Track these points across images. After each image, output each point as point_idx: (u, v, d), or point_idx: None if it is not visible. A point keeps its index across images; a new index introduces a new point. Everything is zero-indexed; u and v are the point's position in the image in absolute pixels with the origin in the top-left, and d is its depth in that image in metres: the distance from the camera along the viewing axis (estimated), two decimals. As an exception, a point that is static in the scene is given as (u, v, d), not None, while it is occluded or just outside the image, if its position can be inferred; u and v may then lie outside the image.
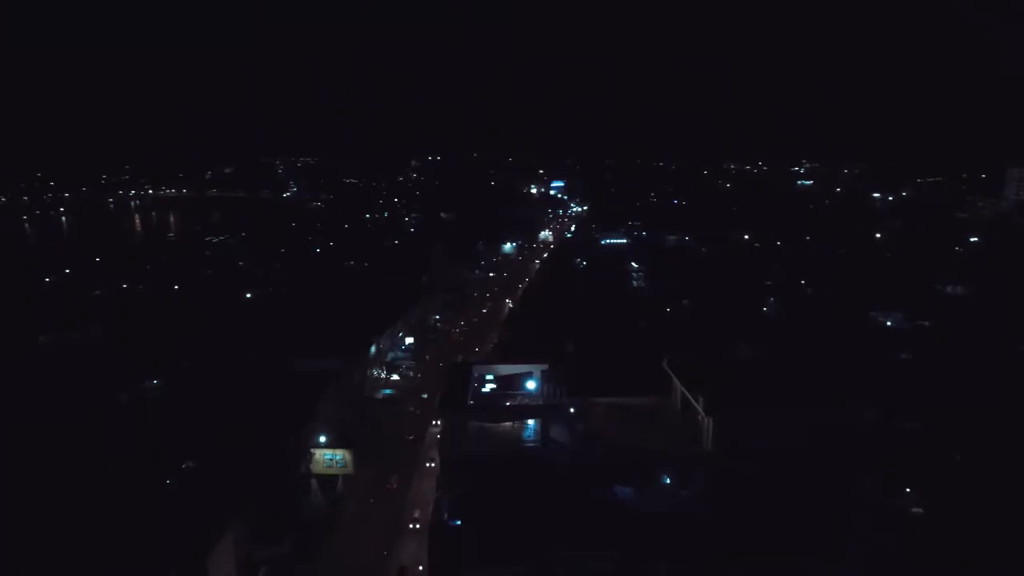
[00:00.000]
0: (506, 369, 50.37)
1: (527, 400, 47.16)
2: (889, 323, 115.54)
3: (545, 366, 49.46)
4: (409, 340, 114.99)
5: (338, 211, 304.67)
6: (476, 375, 49.54)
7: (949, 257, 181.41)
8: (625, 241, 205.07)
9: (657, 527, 35.73)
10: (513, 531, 34.24)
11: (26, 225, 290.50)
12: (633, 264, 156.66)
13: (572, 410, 46.62)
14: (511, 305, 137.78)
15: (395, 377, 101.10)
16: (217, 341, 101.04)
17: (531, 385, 48.14)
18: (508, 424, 44.77)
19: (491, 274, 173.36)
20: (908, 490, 54.78)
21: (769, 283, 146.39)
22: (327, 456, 68.69)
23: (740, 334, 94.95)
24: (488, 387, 48.93)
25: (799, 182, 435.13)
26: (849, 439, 40.56)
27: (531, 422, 44.25)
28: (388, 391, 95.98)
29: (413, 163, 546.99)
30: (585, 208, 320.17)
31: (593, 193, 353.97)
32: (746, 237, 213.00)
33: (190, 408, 76.90)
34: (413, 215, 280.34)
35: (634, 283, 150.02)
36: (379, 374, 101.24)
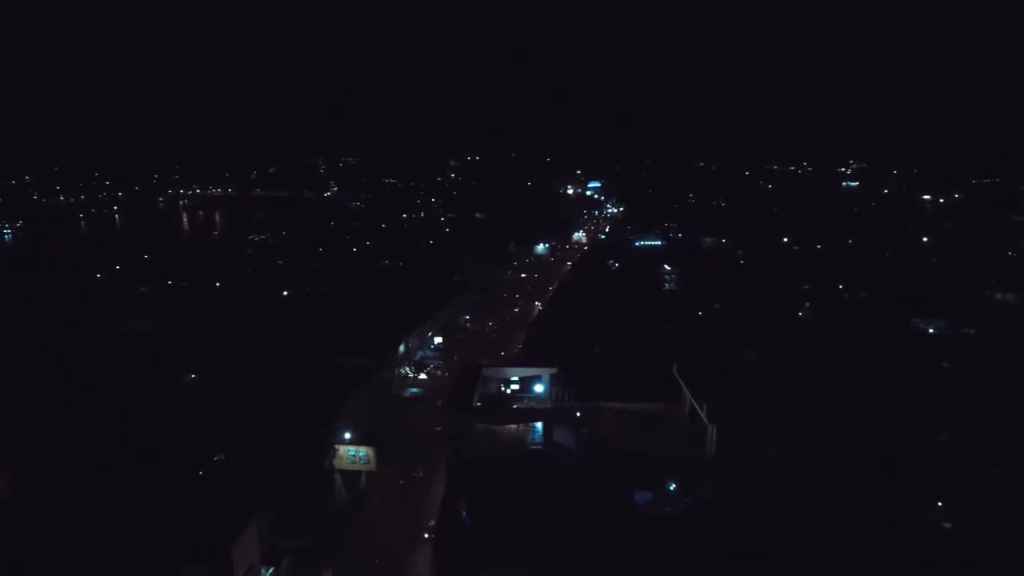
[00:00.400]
0: (515, 372, 50.91)
1: (534, 403, 47.63)
2: (931, 330, 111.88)
3: (554, 370, 49.84)
4: (438, 340, 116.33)
5: (376, 211, 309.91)
6: (484, 377, 50.17)
7: (1001, 262, 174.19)
8: (660, 243, 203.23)
9: (658, 531, 35.77)
10: (516, 533, 34.71)
11: (82, 223, 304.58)
12: (665, 267, 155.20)
13: (578, 414, 46.89)
14: (539, 307, 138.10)
15: (423, 376, 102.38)
16: (253, 337, 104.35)
17: (539, 388, 48.59)
18: (513, 427, 45.26)
19: (523, 275, 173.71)
20: (940, 504, 53.32)
21: (806, 287, 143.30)
22: (351, 452, 70.17)
23: (770, 339, 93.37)
24: (494, 389, 49.56)
25: (844, 183, 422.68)
26: (864, 449, 39.71)
27: (538, 425, 44.67)
28: (415, 390, 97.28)
29: (452, 163, 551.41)
30: (621, 209, 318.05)
31: (630, 194, 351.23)
32: (785, 240, 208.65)
33: (224, 402, 79.84)
34: (448, 215, 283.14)
35: (666, 286, 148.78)
36: (407, 373, 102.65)
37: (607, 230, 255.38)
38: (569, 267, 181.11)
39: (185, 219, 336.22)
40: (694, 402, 45.30)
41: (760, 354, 53.01)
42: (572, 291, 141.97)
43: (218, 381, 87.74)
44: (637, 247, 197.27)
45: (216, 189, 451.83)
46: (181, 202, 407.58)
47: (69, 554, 48.69)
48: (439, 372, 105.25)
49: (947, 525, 50.45)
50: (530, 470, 39.63)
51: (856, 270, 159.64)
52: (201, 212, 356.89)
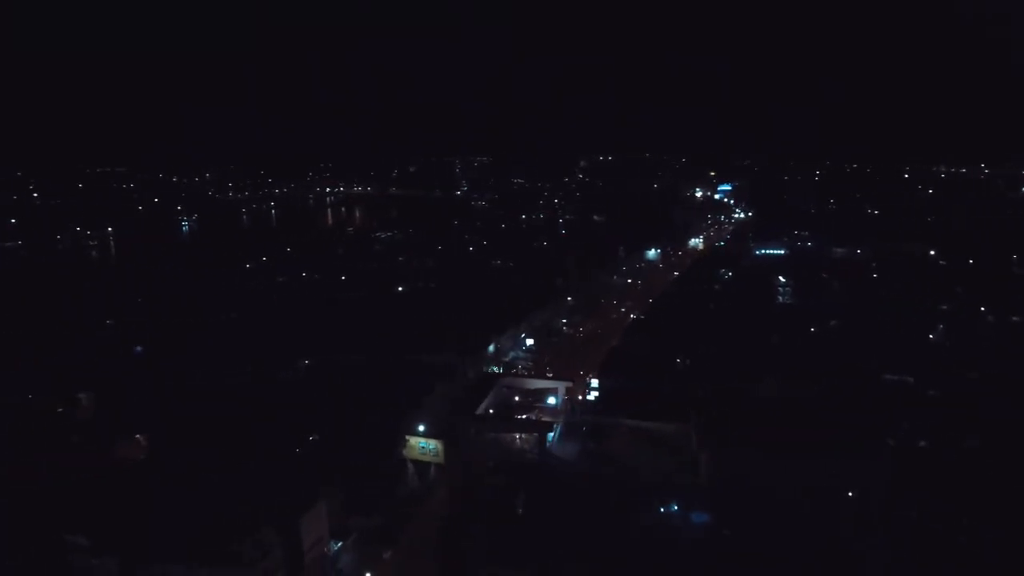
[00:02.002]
0: (533, 383, 52.13)
1: (546, 415, 48.63)
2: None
3: (570, 383, 50.47)
4: (530, 341, 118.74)
5: (499, 211, 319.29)
6: (501, 386, 51.84)
7: None
8: (783, 252, 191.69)
9: (643, 546, 35.82)
10: (510, 535, 36.45)
11: (244, 217, 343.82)
12: (780, 279, 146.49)
13: (584, 428, 47.25)
14: (633, 316, 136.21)
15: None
16: (362, 329, 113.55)
17: (552, 401, 49.48)
18: (517, 435, 46.64)
19: (629, 280, 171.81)
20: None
21: (945, 307, 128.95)
22: (421, 444, 74.42)
23: (875, 362, 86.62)
24: (508, 399, 51.08)
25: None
26: (864, 488, 36.67)
27: (548, 435, 45.69)
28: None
29: (582, 163, 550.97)
30: (750, 214, 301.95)
31: (763, 198, 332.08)
32: (932, 252, 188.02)
33: (326, 387, 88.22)
34: (567, 217, 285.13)
35: (779, 299, 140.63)
36: (495, 372, 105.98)
37: (728, 236, 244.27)
38: (677, 275, 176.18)
39: (329, 215, 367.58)
40: (693, 428, 44.31)
41: (781, 384, 50.29)
42: (673, 300, 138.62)
43: (325, 368, 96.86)
44: (756, 256, 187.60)
45: (358, 187, 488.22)
46: (327, 199, 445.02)
47: (172, 509, 57.38)
48: (526, 373, 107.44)
49: None
50: (524, 478, 41.09)
51: (1014, 289, 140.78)
52: (343, 209, 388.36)
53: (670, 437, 48.19)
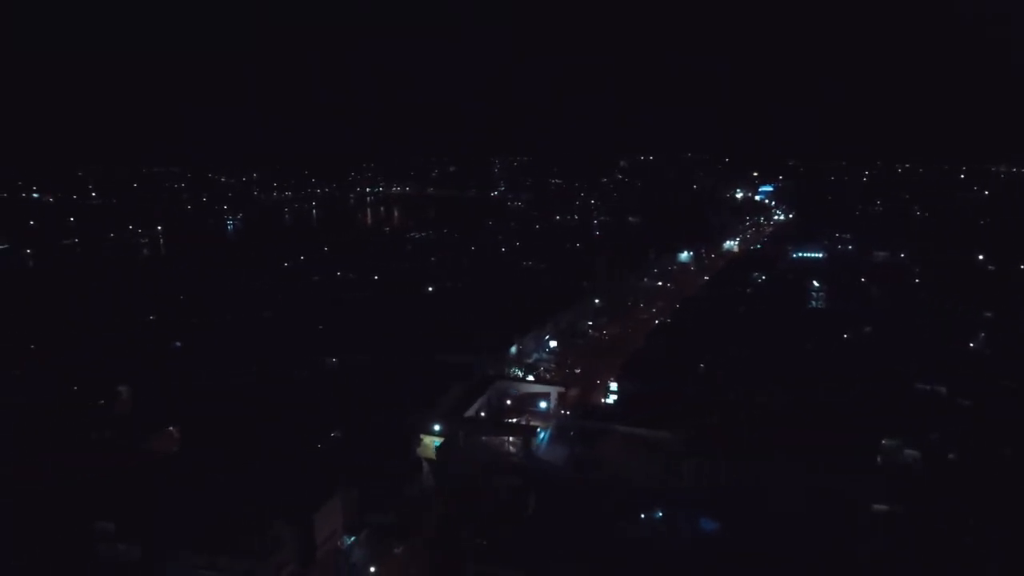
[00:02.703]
0: (527, 387, 52.58)
1: (537, 419, 49.02)
2: None
3: (562, 389, 50.73)
4: (553, 343, 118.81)
5: (534, 211, 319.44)
6: (495, 389, 52.39)
7: None
8: (821, 256, 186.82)
9: (622, 549, 35.96)
10: (504, 536, 37.13)
11: (286, 216, 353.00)
12: (814, 283, 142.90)
13: (571, 433, 47.42)
14: (659, 320, 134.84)
15: (530, 378, 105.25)
16: (387, 329, 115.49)
17: (543, 405, 49.86)
18: (505, 438, 47.13)
19: (659, 283, 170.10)
20: None
21: (989, 315, 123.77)
22: (436, 444, 75.74)
23: (898, 372, 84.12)
24: (500, 402, 51.58)
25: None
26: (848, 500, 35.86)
27: (538, 439, 46.11)
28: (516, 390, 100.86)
29: (622, 164, 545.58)
30: (790, 216, 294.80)
31: (805, 199, 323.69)
32: (980, 257, 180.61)
33: (347, 387, 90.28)
34: (601, 218, 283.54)
35: (812, 304, 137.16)
36: (516, 373, 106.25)
37: (765, 239, 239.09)
38: (707, 279, 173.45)
39: (368, 214, 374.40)
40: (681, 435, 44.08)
41: (791, 391, 49.41)
42: (700, 304, 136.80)
43: (347, 367, 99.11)
44: (793, 259, 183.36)
45: (397, 187, 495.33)
46: (367, 199, 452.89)
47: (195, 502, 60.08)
48: (548, 376, 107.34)
49: None
50: (510, 480, 41.68)
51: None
52: (381, 208, 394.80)
53: (663, 443, 48.14)
